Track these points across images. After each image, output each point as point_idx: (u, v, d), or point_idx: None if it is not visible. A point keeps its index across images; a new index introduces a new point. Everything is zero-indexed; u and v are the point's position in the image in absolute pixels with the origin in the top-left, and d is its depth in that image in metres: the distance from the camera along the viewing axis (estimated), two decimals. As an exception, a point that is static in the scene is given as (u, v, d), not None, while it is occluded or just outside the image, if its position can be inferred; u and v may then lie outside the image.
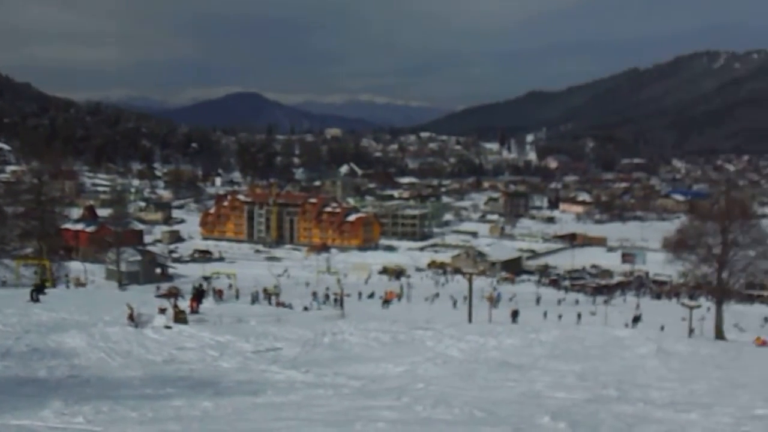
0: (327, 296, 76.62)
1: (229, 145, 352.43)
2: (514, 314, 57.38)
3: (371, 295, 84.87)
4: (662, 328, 57.12)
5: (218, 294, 65.11)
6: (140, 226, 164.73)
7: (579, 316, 71.76)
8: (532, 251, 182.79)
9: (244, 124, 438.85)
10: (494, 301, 71.31)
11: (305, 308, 60.51)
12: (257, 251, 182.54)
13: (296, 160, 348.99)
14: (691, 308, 55.53)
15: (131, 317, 26.08)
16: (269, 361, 18.56)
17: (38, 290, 42.70)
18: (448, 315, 59.38)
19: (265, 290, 76.70)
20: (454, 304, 76.24)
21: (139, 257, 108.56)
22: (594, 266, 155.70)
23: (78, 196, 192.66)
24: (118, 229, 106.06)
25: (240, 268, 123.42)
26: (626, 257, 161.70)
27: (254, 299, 67.64)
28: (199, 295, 38.25)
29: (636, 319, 69.61)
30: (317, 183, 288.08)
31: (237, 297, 71.05)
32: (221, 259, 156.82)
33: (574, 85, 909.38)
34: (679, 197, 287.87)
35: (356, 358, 20.09)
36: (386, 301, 65.49)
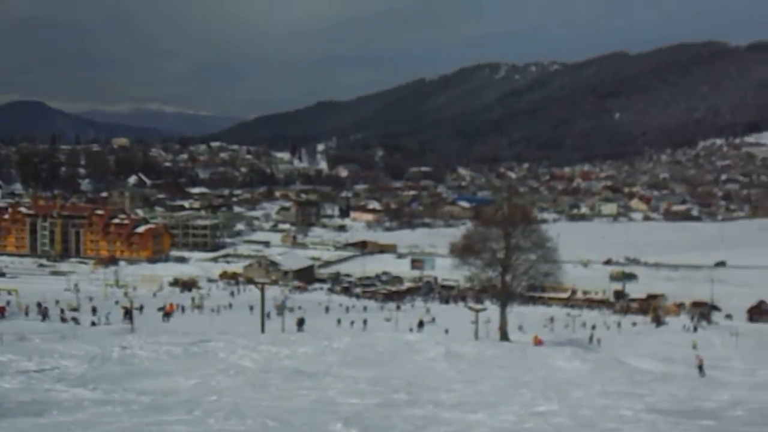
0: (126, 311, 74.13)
1: (9, 155, 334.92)
2: (300, 322, 57.62)
3: (162, 308, 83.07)
4: (446, 331, 58.95)
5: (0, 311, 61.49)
6: None
7: (365, 322, 73.21)
8: (324, 260, 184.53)
9: (26, 133, 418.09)
10: (281, 309, 71.40)
11: (93, 323, 58.49)
12: (41, 265, 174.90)
13: (82, 171, 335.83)
14: (477, 311, 57.53)
15: None
16: (54, 379, 17.80)
17: None
18: (241, 325, 59.01)
19: (62, 309, 73.13)
20: (251, 309, 75.92)
21: None
22: (385, 273, 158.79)
23: None
24: None
25: (23, 283, 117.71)
26: (415, 263, 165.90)
27: (44, 316, 64.62)
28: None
29: (421, 324, 71.56)
30: (104, 194, 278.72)
31: (27, 314, 67.43)
32: (2, 274, 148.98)
33: (363, 95, 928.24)
34: (465, 204, 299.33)
35: (147, 373, 19.64)
36: (167, 314, 63.80)
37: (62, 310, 71.09)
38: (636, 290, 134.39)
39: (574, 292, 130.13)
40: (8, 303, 72.66)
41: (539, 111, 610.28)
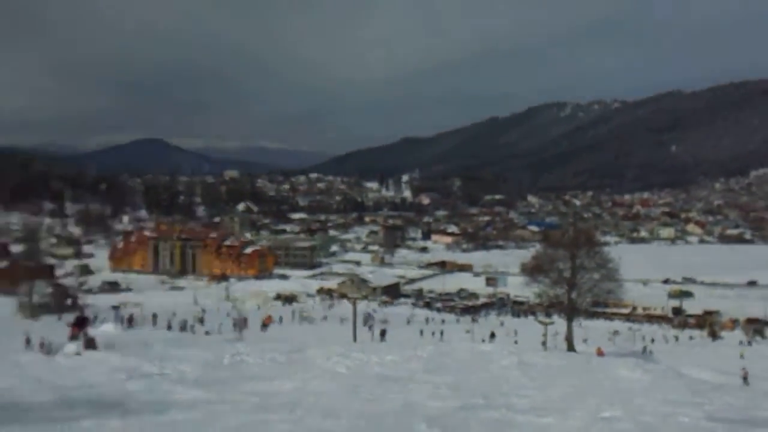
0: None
1: (135, 186, 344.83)
2: (382, 333, 57.65)
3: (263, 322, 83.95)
4: (516, 342, 58.26)
5: (128, 321, 62.93)
6: (52, 261, 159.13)
7: (441, 333, 72.98)
8: (409, 278, 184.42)
9: (150, 167, 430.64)
10: (366, 321, 71.65)
11: (207, 332, 59.43)
12: (162, 282, 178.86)
13: (198, 200, 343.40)
14: (546, 324, 56.83)
15: (42, 345, 25.14)
16: (173, 381, 18.08)
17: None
18: (336, 335, 59.23)
19: (184, 320, 74.61)
20: (366, 323, 76.16)
21: (50, 290, 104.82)
22: (462, 289, 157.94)
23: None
24: (30, 264, 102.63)
25: (146, 297, 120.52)
26: (490, 281, 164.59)
27: (169, 326, 66.10)
28: (80, 321, 36.96)
29: (493, 335, 70.91)
30: (217, 219, 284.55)
31: (154, 324, 68.99)
32: (129, 289, 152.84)
33: (443, 132, 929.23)
34: (534, 228, 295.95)
35: (253, 377, 19.79)
36: (264, 325, 64.20)
37: (185, 321, 72.71)
38: (693, 307, 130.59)
39: (634, 308, 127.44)
40: (130, 316, 74.49)
41: (601, 145, 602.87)
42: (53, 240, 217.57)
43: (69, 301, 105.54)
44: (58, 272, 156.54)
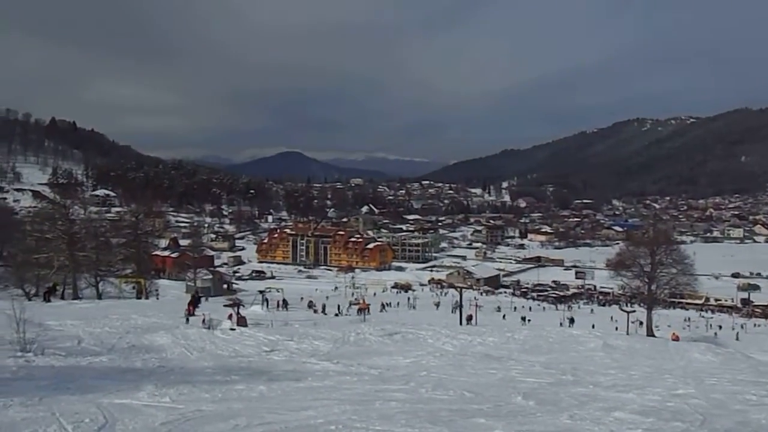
0: (350, 304, 75.86)
1: (278, 191, 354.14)
2: (469, 318, 56.74)
3: (388, 304, 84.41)
4: (593, 326, 56.87)
5: (275, 303, 63.47)
6: (211, 253, 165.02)
7: (524, 319, 72.30)
8: (508, 270, 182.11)
9: (289, 174, 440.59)
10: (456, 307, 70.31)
11: (336, 314, 60.28)
12: (299, 271, 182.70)
13: (328, 203, 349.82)
14: (628, 313, 55.32)
15: (204, 321, 26.09)
16: (309, 354, 18.49)
17: (50, 292, 42.42)
18: (444, 319, 59.09)
19: (310, 302, 75.93)
20: (453, 309, 75.67)
21: (210, 276, 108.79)
22: (554, 281, 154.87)
23: (165, 230, 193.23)
24: (195, 255, 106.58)
25: (286, 284, 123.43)
26: (579, 274, 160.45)
27: (311, 306, 68.07)
28: (195, 300, 37.70)
29: (572, 320, 69.41)
30: (345, 219, 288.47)
31: (310, 306, 70.46)
32: (272, 277, 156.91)
33: (538, 144, 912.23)
34: (618, 228, 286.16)
35: (374, 352, 19.98)
36: (360, 310, 57.65)
37: (311, 302, 74.08)
38: (759, 298, 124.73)
39: (707, 299, 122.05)
40: (279, 301, 76.24)
41: (678, 155, 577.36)
42: (213, 235, 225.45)
43: (225, 286, 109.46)
44: (217, 262, 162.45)
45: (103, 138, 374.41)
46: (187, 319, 28.63)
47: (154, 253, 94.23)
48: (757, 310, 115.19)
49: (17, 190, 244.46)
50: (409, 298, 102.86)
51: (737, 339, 63.78)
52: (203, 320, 26.42)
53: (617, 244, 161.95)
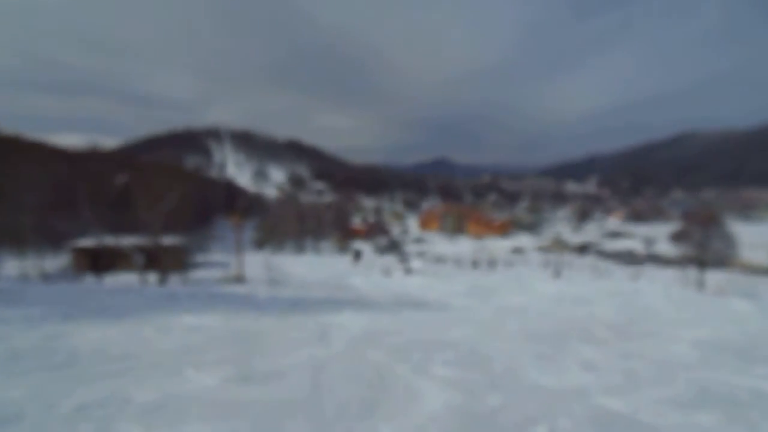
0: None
1: (432, 185, 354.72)
2: (558, 273, 53.32)
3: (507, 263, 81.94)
4: (656, 282, 51.70)
5: (429, 260, 63.73)
6: (388, 226, 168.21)
7: (601, 273, 66.90)
8: (593, 240, 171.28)
9: (443, 173, 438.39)
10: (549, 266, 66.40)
11: (472, 266, 59.34)
12: (447, 238, 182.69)
13: (467, 192, 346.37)
14: (683, 273, 49.59)
15: (383, 269, 26.90)
16: (453, 294, 18.59)
17: (357, 255, 44.93)
18: (547, 273, 56.60)
19: (460, 260, 75.49)
20: (551, 268, 72.09)
21: (387, 241, 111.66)
22: (627, 249, 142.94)
23: (359, 210, 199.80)
24: (379, 227, 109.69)
25: (438, 247, 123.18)
26: (646, 244, 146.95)
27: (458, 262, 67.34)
28: (357, 254, 38.17)
29: (638, 277, 63.54)
30: (477, 203, 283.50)
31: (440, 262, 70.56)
32: (427, 242, 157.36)
33: (619, 149, 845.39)
34: (678, 211, 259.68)
35: (497, 294, 19.68)
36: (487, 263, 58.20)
37: (460, 260, 73.31)
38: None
39: (745, 265, 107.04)
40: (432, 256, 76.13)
41: (723, 157, 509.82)
42: (388, 214, 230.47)
43: (396, 247, 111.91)
44: (391, 231, 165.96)
45: (321, 150, 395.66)
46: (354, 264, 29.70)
47: (352, 227, 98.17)
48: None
49: (267, 187, 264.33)
50: (520, 259, 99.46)
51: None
52: (383, 270, 27.21)
53: (677, 222, 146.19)
